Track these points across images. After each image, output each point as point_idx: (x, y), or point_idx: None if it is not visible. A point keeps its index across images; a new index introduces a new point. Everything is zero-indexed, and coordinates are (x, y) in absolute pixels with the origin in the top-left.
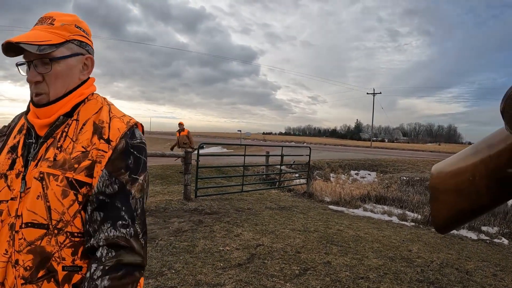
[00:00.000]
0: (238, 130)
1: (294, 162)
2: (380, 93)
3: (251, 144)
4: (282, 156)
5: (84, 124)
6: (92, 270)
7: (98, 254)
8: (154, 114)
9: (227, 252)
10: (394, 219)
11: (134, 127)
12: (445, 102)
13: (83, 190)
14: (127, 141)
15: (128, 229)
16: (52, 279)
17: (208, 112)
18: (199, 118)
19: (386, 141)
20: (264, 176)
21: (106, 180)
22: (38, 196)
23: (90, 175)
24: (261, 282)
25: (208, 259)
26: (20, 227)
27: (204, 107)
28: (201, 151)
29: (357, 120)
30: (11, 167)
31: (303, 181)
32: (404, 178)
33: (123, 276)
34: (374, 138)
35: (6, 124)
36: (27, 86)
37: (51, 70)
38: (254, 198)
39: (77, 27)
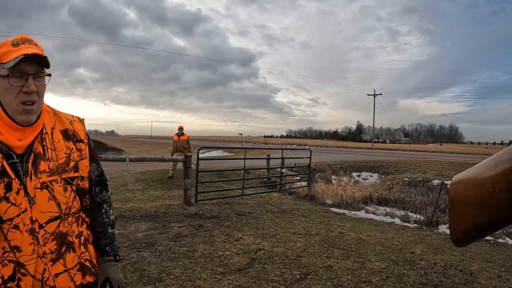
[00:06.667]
0: (239, 134)
1: (295, 164)
2: (381, 94)
3: (251, 147)
4: (282, 159)
5: (52, 134)
6: (105, 209)
7: (105, 205)
8: (154, 118)
9: (226, 257)
10: (397, 220)
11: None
12: (446, 101)
13: (75, 181)
14: (88, 136)
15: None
16: (71, 249)
17: (208, 116)
18: (199, 122)
19: (388, 142)
20: (265, 179)
21: (95, 168)
22: (49, 198)
23: (76, 170)
24: (261, 287)
25: (207, 264)
26: (39, 227)
27: (204, 111)
28: (201, 155)
29: (358, 121)
30: (9, 189)
31: (304, 183)
32: (406, 179)
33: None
34: (376, 140)
35: None
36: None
37: (45, 84)
38: (255, 201)
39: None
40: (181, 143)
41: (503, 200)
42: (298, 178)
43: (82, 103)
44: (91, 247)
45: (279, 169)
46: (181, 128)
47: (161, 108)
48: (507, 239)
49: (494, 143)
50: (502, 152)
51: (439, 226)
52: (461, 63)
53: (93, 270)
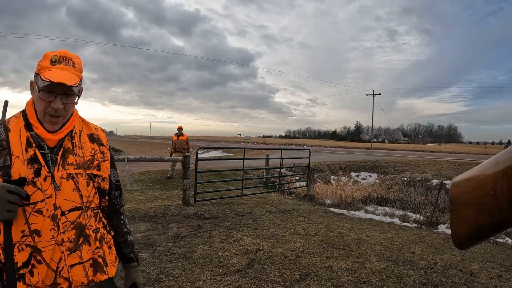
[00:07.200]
0: (238, 134)
1: (294, 165)
2: (380, 94)
3: (250, 148)
4: (281, 159)
5: (80, 135)
6: (122, 219)
7: (121, 210)
8: (153, 119)
9: (226, 257)
10: (396, 220)
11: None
12: (445, 101)
13: (97, 179)
14: (109, 144)
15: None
16: (87, 242)
17: (207, 116)
18: (198, 122)
19: (387, 142)
20: (264, 179)
21: (114, 174)
22: (73, 189)
23: (99, 169)
24: None
25: (206, 265)
26: (61, 214)
27: (203, 111)
28: (200, 155)
29: (357, 121)
30: (37, 174)
31: (303, 184)
32: (405, 179)
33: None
34: (375, 140)
35: None
36: (26, 92)
37: (74, 102)
38: (254, 202)
39: (82, 68)
40: (180, 143)
41: (505, 202)
42: (297, 178)
43: (81, 103)
44: (105, 246)
45: (278, 169)
46: (180, 128)
47: (159, 108)
48: (507, 238)
49: (493, 143)
50: (502, 152)
51: (439, 226)
52: (459, 63)
53: (105, 268)
